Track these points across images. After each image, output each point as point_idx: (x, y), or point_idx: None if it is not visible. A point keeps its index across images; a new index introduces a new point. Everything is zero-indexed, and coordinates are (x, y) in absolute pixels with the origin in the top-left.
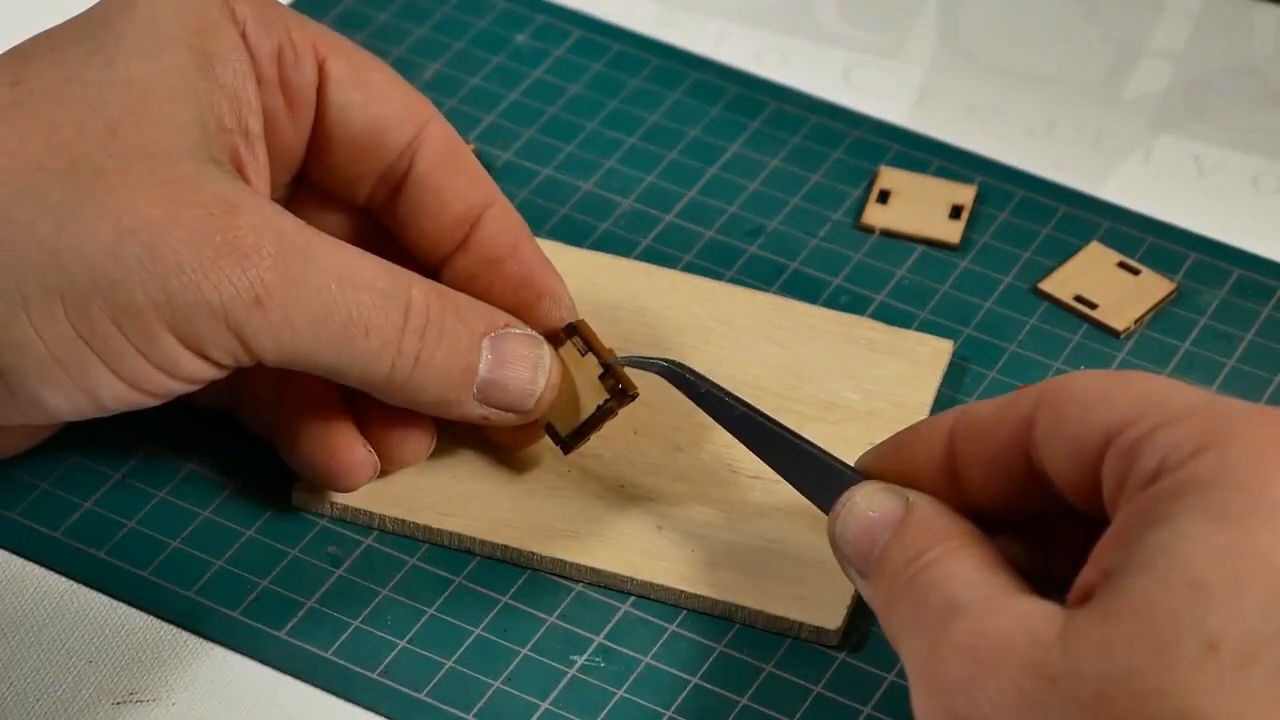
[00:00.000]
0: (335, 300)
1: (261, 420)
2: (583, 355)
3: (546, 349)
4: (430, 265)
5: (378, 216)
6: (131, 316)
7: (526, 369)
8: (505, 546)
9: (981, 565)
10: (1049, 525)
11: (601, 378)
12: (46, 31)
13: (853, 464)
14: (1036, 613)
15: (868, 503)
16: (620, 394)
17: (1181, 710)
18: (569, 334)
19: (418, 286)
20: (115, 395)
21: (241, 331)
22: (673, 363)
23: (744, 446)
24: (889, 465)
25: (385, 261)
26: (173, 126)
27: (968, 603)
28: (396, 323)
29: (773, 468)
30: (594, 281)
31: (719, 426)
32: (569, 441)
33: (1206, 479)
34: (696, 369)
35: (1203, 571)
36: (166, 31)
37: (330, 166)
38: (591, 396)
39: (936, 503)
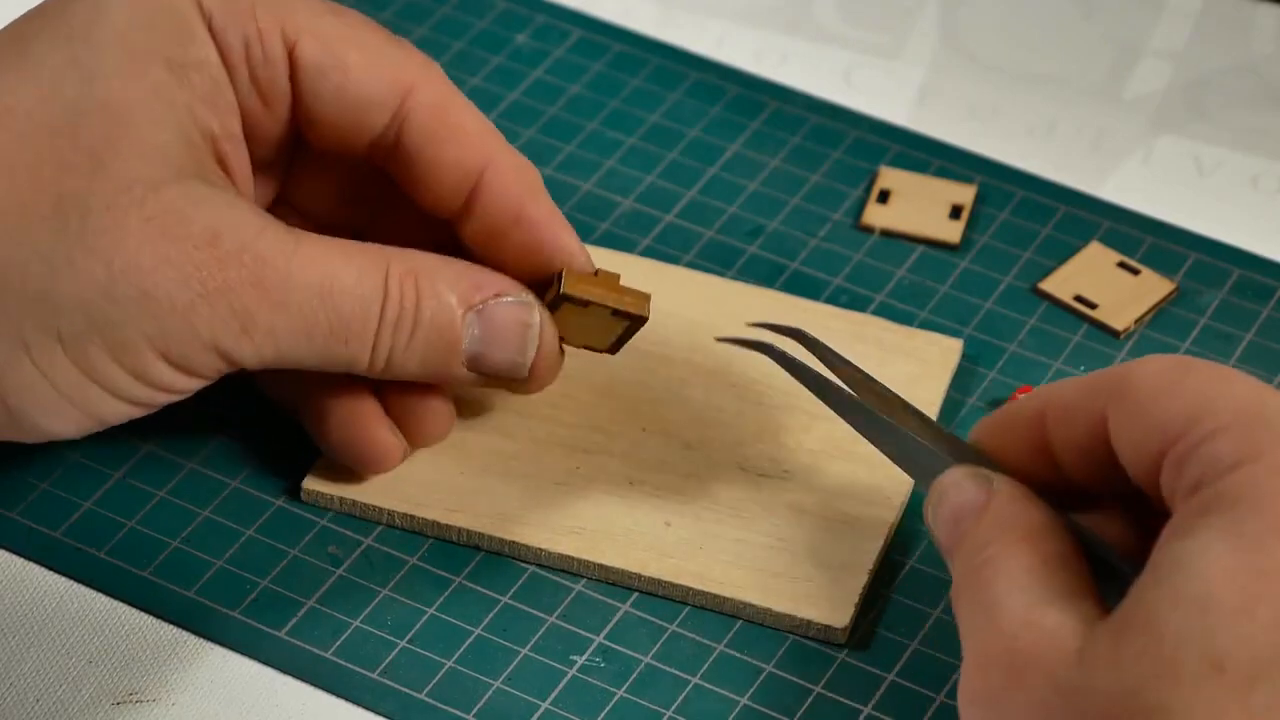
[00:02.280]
0: (317, 315)
1: (283, 395)
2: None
3: (538, 316)
4: (441, 224)
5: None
6: (128, 351)
7: (515, 340)
8: (513, 543)
9: (1034, 566)
10: (1148, 505)
11: (615, 315)
12: (15, 29)
13: (967, 437)
14: (1066, 626)
15: (957, 488)
16: (634, 319)
17: None
18: (555, 305)
19: (394, 272)
20: (115, 413)
21: (229, 355)
22: (775, 342)
23: (761, 442)
24: (995, 440)
25: (364, 251)
26: (155, 150)
27: (1008, 610)
28: (372, 325)
29: (881, 451)
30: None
31: (728, 423)
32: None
33: (1233, 496)
34: (806, 344)
35: (1214, 590)
36: (142, 46)
37: (317, 141)
38: (608, 330)
39: (1017, 489)
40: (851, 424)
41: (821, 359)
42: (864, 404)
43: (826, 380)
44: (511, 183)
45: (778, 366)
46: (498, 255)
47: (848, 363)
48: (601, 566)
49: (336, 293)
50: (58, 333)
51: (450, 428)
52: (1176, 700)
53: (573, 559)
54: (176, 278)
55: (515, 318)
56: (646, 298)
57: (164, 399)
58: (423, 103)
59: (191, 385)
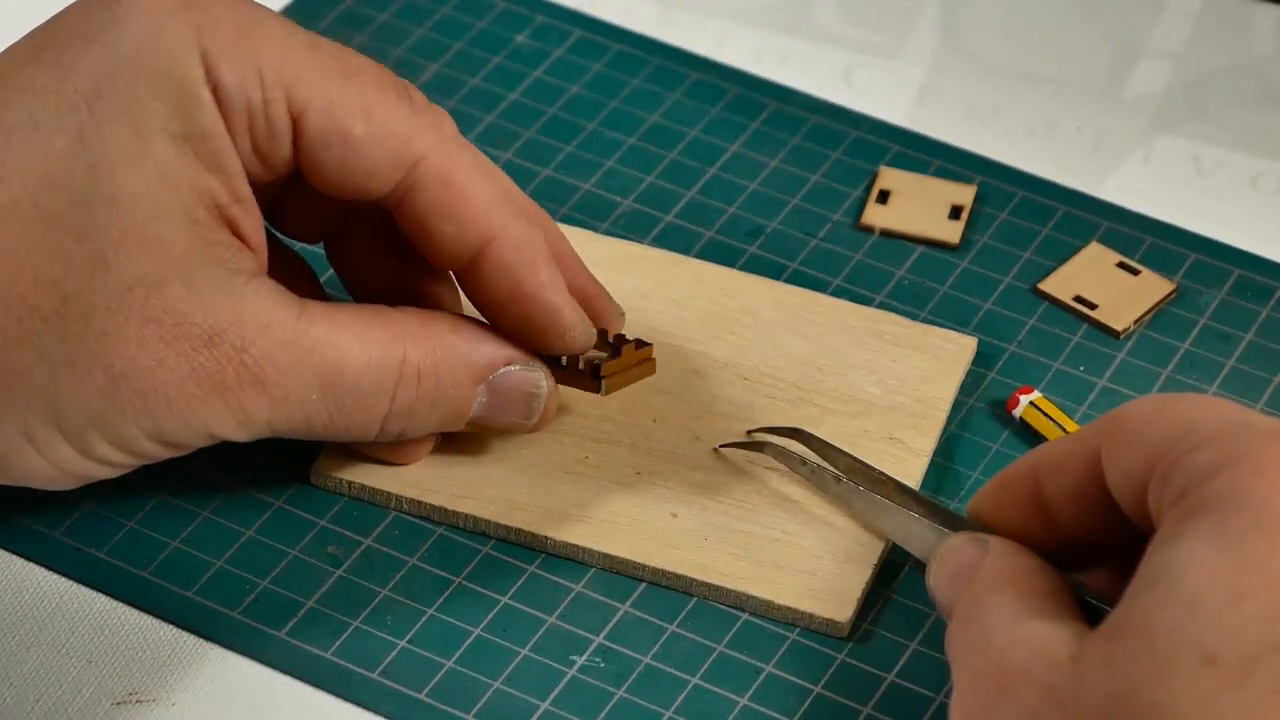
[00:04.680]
0: (318, 408)
1: None
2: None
3: (545, 384)
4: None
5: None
6: (126, 441)
7: (521, 407)
8: (519, 530)
9: (1022, 596)
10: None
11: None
12: (23, 75)
13: (964, 508)
14: (1055, 637)
15: (952, 554)
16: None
17: None
18: (594, 373)
19: (410, 360)
20: (109, 475)
21: (224, 439)
22: (785, 434)
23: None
24: (990, 508)
25: (379, 330)
26: (159, 244)
27: (997, 631)
28: (381, 412)
29: (883, 530)
30: (622, 269)
31: (738, 416)
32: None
33: (1215, 499)
34: (803, 440)
35: (1202, 588)
36: (147, 119)
37: (322, 190)
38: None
39: (1010, 546)
40: (852, 510)
41: (818, 452)
42: (862, 489)
43: (823, 472)
44: (511, 259)
45: (789, 359)
46: (494, 319)
47: (844, 453)
48: (607, 556)
49: (340, 387)
50: (59, 426)
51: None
52: (1171, 697)
53: (578, 548)
54: (173, 380)
55: (523, 387)
56: (650, 349)
57: (154, 461)
58: (429, 175)
59: (181, 453)
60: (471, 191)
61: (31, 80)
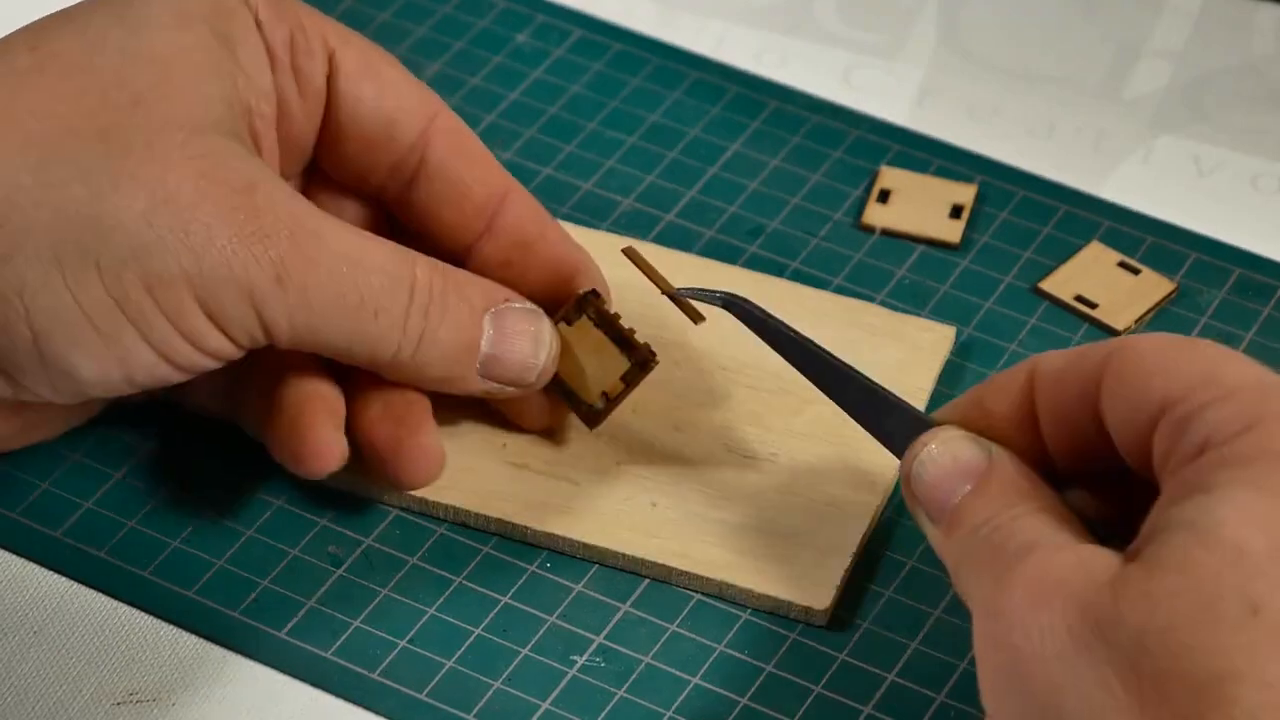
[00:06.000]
0: (348, 282)
1: (220, 397)
2: (596, 325)
3: (546, 323)
4: (455, 253)
5: (390, 208)
6: (164, 285)
7: (527, 343)
8: (500, 520)
9: (1060, 520)
10: (1126, 482)
11: (622, 349)
12: (63, 10)
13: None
14: (1098, 558)
15: (949, 450)
16: (641, 364)
17: (1218, 670)
18: (580, 307)
19: (421, 265)
20: (144, 366)
21: (263, 310)
22: (733, 296)
23: (750, 425)
24: (967, 419)
25: (390, 243)
26: (198, 100)
27: (1040, 545)
28: (403, 303)
29: (839, 405)
30: (611, 262)
31: (718, 405)
32: (595, 413)
33: (1248, 455)
34: (759, 304)
35: (1246, 538)
36: (189, 9)
37: (341, 157)
38: (612, 368)
39: (1017, 460)
40: (812, 378)
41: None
42: (825, 354)
43: (786, 333)
44: (534, 205)
45: (771, 352)
46: (515, 274)
47: (794, 330)
48: (586, 545)
49: (366, 265)
50: (96, 259)
51: (440, 465)
52: (1214, 641)
53: (558, 537)
54: (215, 213)
55: (527, 322)
56: (653, 355)
57: (193, 359)
58: (446, 126)
59: (223, 346)
60: (481, 148)
61: (71, 9)
